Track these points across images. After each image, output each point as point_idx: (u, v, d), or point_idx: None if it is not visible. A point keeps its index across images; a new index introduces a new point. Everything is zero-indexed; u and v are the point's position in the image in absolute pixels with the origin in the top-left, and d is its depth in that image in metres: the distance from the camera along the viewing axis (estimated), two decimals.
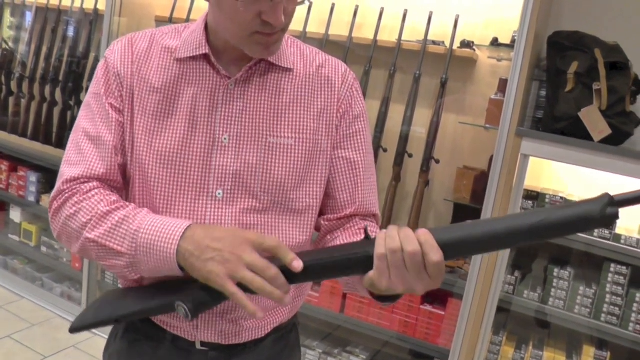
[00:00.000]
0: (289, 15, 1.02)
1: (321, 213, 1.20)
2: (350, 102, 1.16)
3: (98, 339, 3.19)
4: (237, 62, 1.10)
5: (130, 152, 1.10)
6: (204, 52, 1.08)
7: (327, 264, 0.95)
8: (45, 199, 3.44)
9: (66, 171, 1.08)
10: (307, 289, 1.27)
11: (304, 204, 1.13)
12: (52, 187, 3.72)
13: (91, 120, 1.10)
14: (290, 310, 1.21)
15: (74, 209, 1.04)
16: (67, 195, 1.07)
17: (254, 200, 1.08)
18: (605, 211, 0.84)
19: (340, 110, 1.15)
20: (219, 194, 1.07)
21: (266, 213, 1.10)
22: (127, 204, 1.06)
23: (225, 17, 1.01)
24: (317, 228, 1.21)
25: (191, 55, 1.09)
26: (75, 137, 1.12)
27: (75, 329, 1.06)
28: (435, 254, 0.86)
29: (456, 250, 0.89)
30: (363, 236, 0.97)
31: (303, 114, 1.12)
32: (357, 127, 1.17)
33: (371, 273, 0.90)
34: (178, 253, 0.96)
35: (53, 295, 3.48)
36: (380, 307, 2.56)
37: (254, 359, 1.18)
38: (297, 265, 0.92)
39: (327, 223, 1.18)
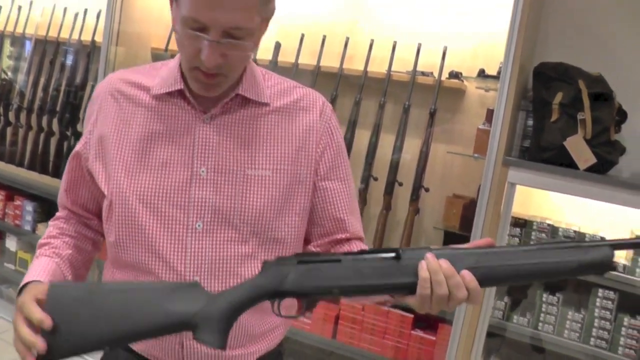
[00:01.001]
0: (233, 63, 1.05)
1: (308, 241, 1.24)
2: (331, 135, 1.21)
3: None
4: (213, 97, 1.13)
5: (106, 188, 1.14)
6: (178, 87, 1.12)
7: (364, 289, 0.96)
8: (42, 228, 3.47)
9: None
10: None
11: (283, 234, 1.16)
12: (48, 216, 3.73)
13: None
14: (275, 339, 1.24)
15: None
16: None
17: (234, 231, 1.12)
18: (612, 260, 0.91)
19: (321, 144, 1.19)
20: (199, 225, 1.11)
21: (246, 243, 1.13)
22: (49, 244, 1.20)
23: (179, 47, 1.08)
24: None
25: (167, 91, 1.13)
26: None
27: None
28: (479, 299, 0.92)
29: (491, 285, 0.94)
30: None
31: (280, 146, 1.15)
32: (340, 158, 1.22)
33: (411, 301, 0.94)
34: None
35: None
36: (372, 333, 2.59)
37: None
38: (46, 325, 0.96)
39: (318, 249, 1.22)
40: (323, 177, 1.20)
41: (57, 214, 1.29)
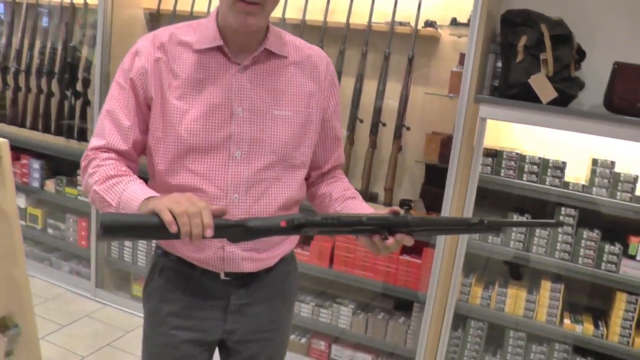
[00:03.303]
0: None
1: (310, 168, 1.56)
2: (334, 86, 1.53)
3: (109, 309, 3.49)
4: (243, 51, 1.39)
5: (160, 127, 1.38)
6: (218, 44, 1.37)
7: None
8: (49, 184, 3.69)
9: (92, 141, 1.42)
10: None
11: (299, 161, 1.47)
12: (55, 172, 3.90)
13: (117, 104, 1.40)
14: (291, 244, 1.57)
15: (93, 170, 1.35)
16: (90, 158, 1.38)
17: (265, 159, 1.40)
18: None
19: (327, 93, 1.51)
20: (238, 154, 1.38)
21: (273, 169, 1.42)
22: (129, 174, 1.33)
23: None
24: (307, 177, 1.59)
25: (208, 46, 1.38)
26: (101, 116, 1.43)
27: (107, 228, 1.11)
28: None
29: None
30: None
31: (297, 92, 1.45)
32: (339, 104, 1.56)
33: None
34: (140, 206, 1.22)
35: (62, 272, 3.75)
36: (364, 260, 2.89)
37: (267, 283, 1.52)
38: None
39: (315, 172, 1.58)
40: (328, 119, 1.53)
41: (107, 154, 1.37)
